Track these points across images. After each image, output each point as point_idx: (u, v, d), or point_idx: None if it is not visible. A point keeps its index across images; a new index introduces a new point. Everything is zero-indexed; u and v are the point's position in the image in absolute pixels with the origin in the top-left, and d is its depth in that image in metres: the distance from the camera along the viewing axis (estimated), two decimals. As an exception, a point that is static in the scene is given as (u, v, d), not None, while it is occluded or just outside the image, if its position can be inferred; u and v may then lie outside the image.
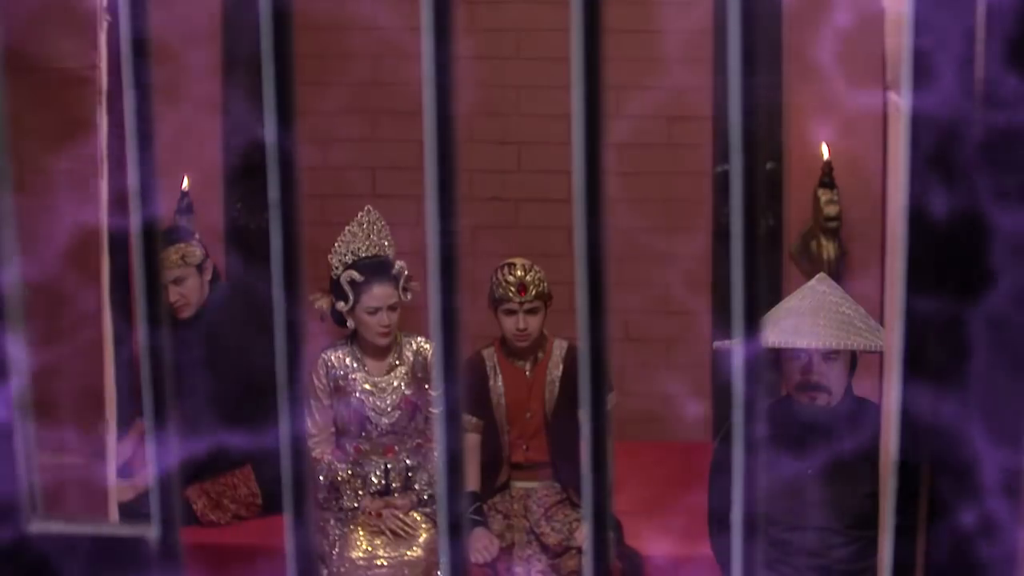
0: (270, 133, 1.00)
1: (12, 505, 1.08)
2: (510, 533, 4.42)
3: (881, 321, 3.46)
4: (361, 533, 4.34)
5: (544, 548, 4.40)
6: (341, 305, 4.33)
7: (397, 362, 4.43)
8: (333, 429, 4.45)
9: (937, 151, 1.04)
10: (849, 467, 3.65)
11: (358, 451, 4.44)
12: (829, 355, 3.60)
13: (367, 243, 4.35)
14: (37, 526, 1.08)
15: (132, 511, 4.23)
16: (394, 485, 4.42)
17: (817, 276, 3.77)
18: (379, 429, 4.42)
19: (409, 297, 4.38)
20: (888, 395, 1.65)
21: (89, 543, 1.08)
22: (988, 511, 1.06)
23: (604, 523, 1.00)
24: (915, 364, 1.07)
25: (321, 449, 4.42)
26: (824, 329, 3.52)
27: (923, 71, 1.03)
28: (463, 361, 1.00)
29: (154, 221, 1.02)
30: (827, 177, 5.21)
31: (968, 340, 1.07)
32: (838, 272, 5.05)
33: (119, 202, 2.93)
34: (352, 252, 4.35)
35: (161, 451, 1.04)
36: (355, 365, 4.42)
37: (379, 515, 4.35)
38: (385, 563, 4.30)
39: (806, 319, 3.55)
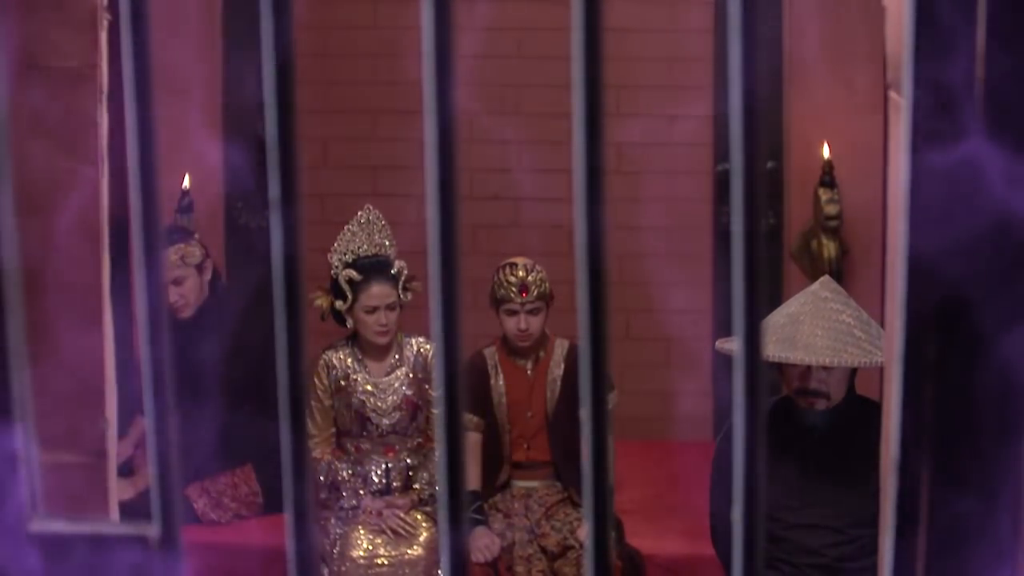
0: (271, 132, 1.00)
1: (13, 504, 1.08)
2: (511, 532, 4.42)
3: (882, 323, 3.46)
4: (362, 532, 4.34)
5: (544, 548, 4.40)
6: (340, 304, 4.34)
7: (398, 363, 4.43)
8: (334, 429, 4.45)
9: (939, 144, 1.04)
10: (849, 466, 3.65)
11: (359, 450, 4.44)
12: None
13: (367, 242, 4.35)
14: (37, 525, 1.08)
15: (133, 510, 4.23)
16: (395, 484, 4.42)
17: (820, 280, 3.75)
18: (380, 429, 4.42)
19: (409, 297, 4.38)
20: (889, 395, 1.65)
21: (89, 542, 1.08)
22: (989, 511, 1.06)
23: (605, 522, 1.00)
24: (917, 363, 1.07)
25: (321, 449, 4.42)
26: (821, 341, 3.51)
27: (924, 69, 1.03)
28: (464, 360, 1.00)
29: (155, 220, 1.02)
30: (827, 176, 5.21)
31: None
32: (839, 271, 5.05)
33: (119, 201, 2.93)
34: (352, 251, 4.35)
35: (161, 450, 1.04)
36: (356, 366, 4.41)
37: (380, 514, 4.35)
38: (386, 562, 4.31)
39: (804, 329, 3.55)
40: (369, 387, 4.41)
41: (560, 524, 4.43)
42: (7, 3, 2.30)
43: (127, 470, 4.61)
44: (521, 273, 4.37)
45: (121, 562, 1.07)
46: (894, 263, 1.07)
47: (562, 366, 4.48)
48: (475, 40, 5.48)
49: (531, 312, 4.37)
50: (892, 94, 1.47)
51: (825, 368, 3.58)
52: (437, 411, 1.01)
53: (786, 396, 3.74)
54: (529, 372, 4.49)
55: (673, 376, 5.68)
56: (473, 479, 4.38)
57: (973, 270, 1.05)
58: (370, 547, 4.32)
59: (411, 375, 4.42)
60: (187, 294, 4.66)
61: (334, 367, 4.42)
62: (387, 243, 4.38)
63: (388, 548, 4.32)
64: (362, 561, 4.30)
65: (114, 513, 2.77)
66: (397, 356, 4.44)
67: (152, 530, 1.05)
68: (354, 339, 4.43)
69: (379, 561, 4.31)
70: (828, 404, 3.66)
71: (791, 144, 5.30)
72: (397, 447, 4.44)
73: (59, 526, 1.08)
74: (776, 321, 3.60)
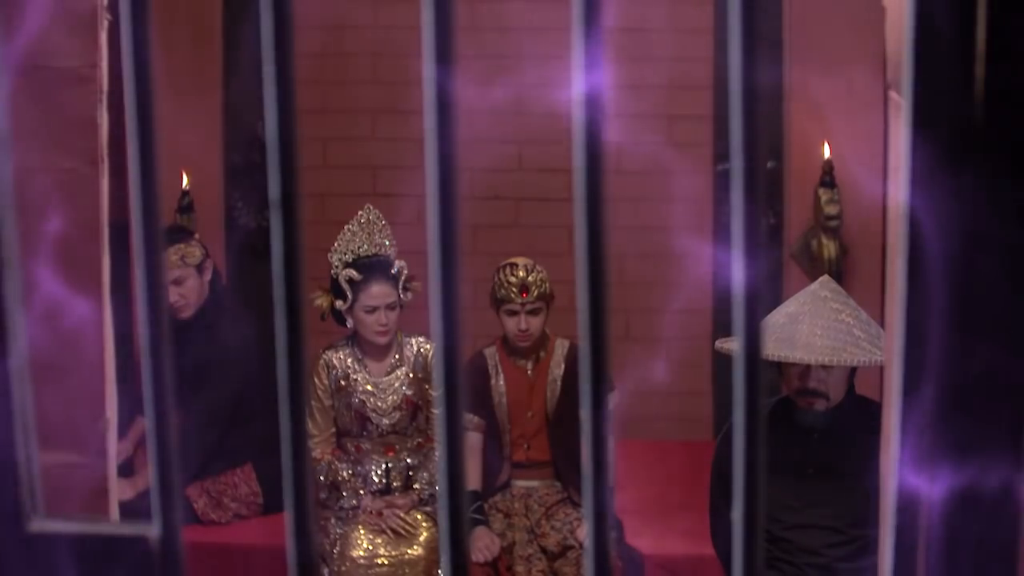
0: (271, 132, 1.00)
1: (12, 504, 1.08)
2: (511, 532, 4.42)
3: (882, 323, 3.46)
4: (362, 532, 4.34)
5: (544, 548, 4.40)
6: (340, 304, 4.34)
7: (398, 362, 4.43)
8: (334, 429, 4.45)
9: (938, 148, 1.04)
10: (849, 466, 3.65)
11: (359, 450, 4.44)
12: None
13: (367, 242, 4.35)
14: (37, 525, 1.08)
15: (133, 510, 4.24)
16: (395, 484, 4.42)
17: (820, 280, 3.75)
18: (380, 429, 4.42)
19: (409, 296, 4.38)
20: (888, 395, 1.65)
21: (89, 542, 1.08)
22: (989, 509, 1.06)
23: (605, 522, 1.00)
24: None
25: (322, 449, 4.42)
26: (820, 340, 3.51)
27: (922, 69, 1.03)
28: (464, 360, 1.00)
29: (155, 220, 1.02)
30: (828, 176, 5.21)
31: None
32: (839, 271, 5.05)
33: (119, 201, 2.93)
34: (352, 251, 4.35)
35: (161, 450, 1.04)
36: (356, 366, 4.41)
37: (380, 514, 4.35)
38: (386, 562, 4.31)
39: (803, 328, 3.55)
40: (369, 387, 4.41)
41: (560, 524, 4.43)
42: (7, 3, 2.30)
43: (127, 470, 4.62)
44: (522, 273, 4.37)
45: (121, 562, 1.07)
46: (894, 263, 1.07)
47: (562, 366, 4.48)
48: (475, 39, 5.49)
49: (531, 312, 4.37)
50: (892, 94, 1.47)
51: (824, 368, 3.58)
52: (437, 411, 1.01)
53: (786, 396, 3.74)
54: (529, 372, 4.49)
55: (673, 376, 5.68)
56: (473, 479, 4.38)
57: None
58: (370, 547, 4.32)
59: (411, 375, 4.42)
60: (187, 294, 4.66)
61: (334, 367, 4.42)
62: (387, 243, 4.38)
63: (388, 548, 4.32)
64: (362, 561, 4.30)
65: (114, 513, 2.77)
66: (397, 356, 4.44)
67: (152, 530, 1.05)
68: (354, 339, 4.43)
69: (379, 561, 4.31)
70: (827, 404, 3.66)
71: (791, 144, 5.30)
72: (397, 447, 4.44)
73: (59, 526, 1.08)
74: (775, 320, 3.60)
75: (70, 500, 2.59)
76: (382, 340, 4.37)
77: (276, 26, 0.98)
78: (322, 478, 4.39)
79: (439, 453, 1.00)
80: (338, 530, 4.37)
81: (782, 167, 5.34)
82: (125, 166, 1.06)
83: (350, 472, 4.42)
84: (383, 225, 4.39)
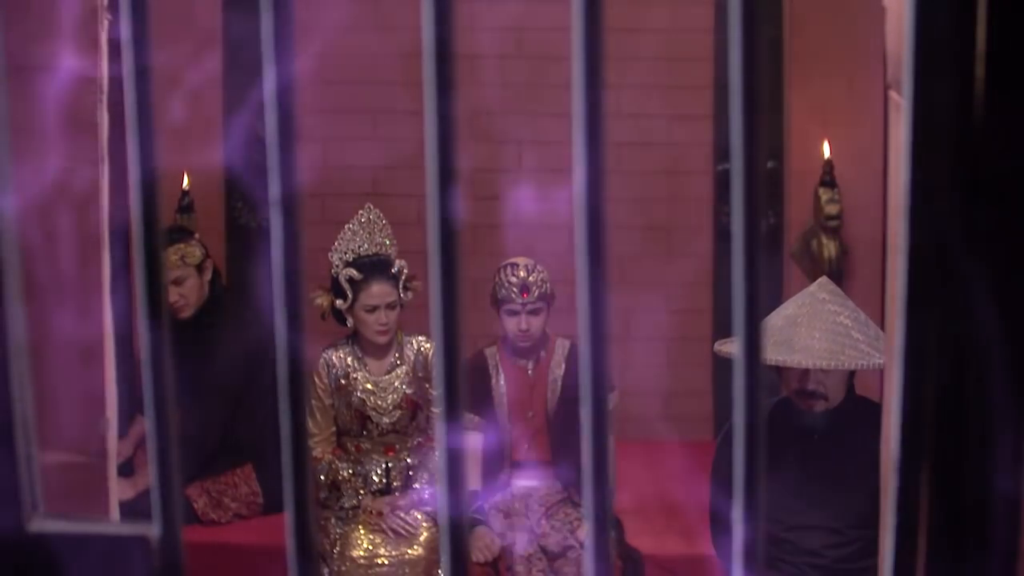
0: (271, 132, 1.00)
1: (12, 504, 1.08)
2: (511, 532, 4.42)
3: (882, 323, 3.46)
4: (362, 532, 4.34)
5: (544, 548, 4.40)
6: (340, 303, 4.34)
7: (398, 361, 4.43)
8: (334, 429, 4.46)
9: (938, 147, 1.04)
10: (849, 467, 3.65)
11: (359, 450, 4.44)
12: None
13: (368, 241, 4.36)
14: (37, 525, 1.08)
15: (133, 510, 4.24)
16: (395, 484, 4.42)
17: (818, 281, 3.75)
18: (380, 428, 4.42)
19: (410, 296, 4.38)
20: (889, 395, 1.65)
21: (89, 542, 1.08)
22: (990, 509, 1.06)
23: (605, 522, 1.00)
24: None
25: (322, 449, 4.42)
26: (819, 343, 3.51)
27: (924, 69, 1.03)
28: (465, 360, 1.00)
29: (155, 220, 1.02)
30: (827, 176, 5.21)
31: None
32: (839, 271, 5.06)
33: (120, 201, 2.93)
34: (352, 250, 4.35)
35: (161, 450, 1.04)
36: (356, 364, 4.42)
37: (380, 514, 4.35)
38: (386, 562, 4.31)
39: (802, 331, 3.55)
40: (369, 385, 4.41)
41: (560, 524, 4.43)
42: (8, 4, 2.30)
43: (127, 470, 4.62)
44: (522, 273, 4.37)
45: (121, 562, 1.07)
46: (894, 263, 1.07)
47: (563, 366, 4.48)
48: (475, 39, 5.49)
49: (532, 312, 4.37)
50: (892, 94, 1.47)
51: (823, 370, 3.58)
52: (437, 410, 1.01)
53: (785, 397, 3.74)
54: (530, 372, 4.49)
55: (673, 376, 5.68)
56: (473, 479, 4.38)
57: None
58: (370, 547, 4.32)
59: (411, 374, 4.42)
60: (187, 294, 4.67)
61: (334, 366, 4.42)
62: (388, 242, 4.38)
63: (388, 548, 4.32)
64: (362, 561, 4.30)
65: (114, 513, 2.77)
66: (397, 355, 4.44)
67: (152, 530, 1.05)
68: (354, 338, 4.43)
69: (379, 561, 4.31)
70: (827, 405, 3.66)
71: (791, 144, 5.30)
72: (397, 446, 4.44)
73: (59, 526, 1.08)
74: (774, 323, 3.60)
75: (70, 500, 2.59)
76: (382, 339, 4.37)
77: (276, 26, 0.98)
78: (322, 478, 4.39)
79: (439, 453, 1.00)
80: (338, 530, 4.37)
81: (782, 167, 5.34)
82: (125, 166, 1.06)
83: (350, 472, 4.42)
84: (383, 225, 4.39)
